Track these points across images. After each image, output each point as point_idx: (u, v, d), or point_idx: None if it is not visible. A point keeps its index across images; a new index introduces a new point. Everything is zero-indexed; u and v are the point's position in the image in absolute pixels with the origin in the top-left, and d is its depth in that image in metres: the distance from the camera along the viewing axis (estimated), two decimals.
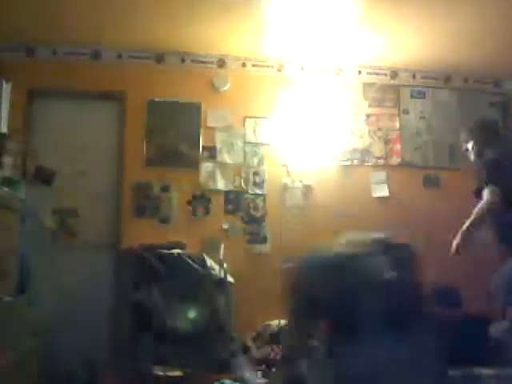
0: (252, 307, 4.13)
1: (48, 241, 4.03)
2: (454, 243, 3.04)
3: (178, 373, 3.46)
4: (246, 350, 3.92)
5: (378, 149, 4.84)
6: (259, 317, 4.13)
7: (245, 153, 4.66)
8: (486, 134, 3.30)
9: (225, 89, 4.68)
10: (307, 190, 4.66)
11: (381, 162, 4.83)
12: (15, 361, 2.29)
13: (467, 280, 4.22)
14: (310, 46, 4.46)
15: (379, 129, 4.87)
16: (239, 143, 4.66)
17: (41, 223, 3.52)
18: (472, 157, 3.40)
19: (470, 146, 3.37)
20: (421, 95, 5.00)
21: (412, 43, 4.37)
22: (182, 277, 3.75)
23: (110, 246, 4.33)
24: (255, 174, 4.64)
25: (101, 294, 4.15)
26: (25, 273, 3.10)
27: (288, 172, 4.67)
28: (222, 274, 3.91)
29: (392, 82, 4.97)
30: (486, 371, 2.87)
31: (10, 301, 2.38)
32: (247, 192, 4.60)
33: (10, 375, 2.24)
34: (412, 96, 4.99)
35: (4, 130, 4.09)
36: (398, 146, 4.87)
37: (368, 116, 4.88)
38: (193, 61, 4.69)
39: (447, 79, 5.05)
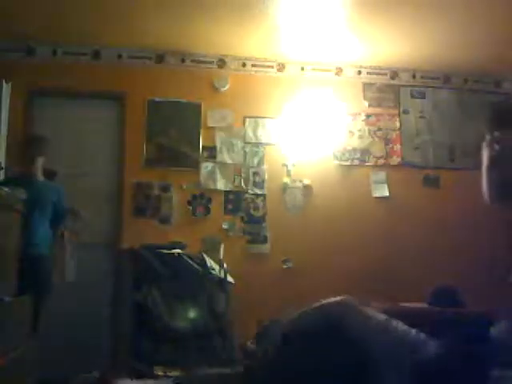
0: (252, 307, 4.13)
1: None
2: None
3: (177, 373, 3.46)
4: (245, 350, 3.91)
5: (377, 149, 4.84)
6: (259, 317, 4.13)
7: (245, 153, 4.66)
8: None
9: (225, 89, 4.68)
10: (307, 189, 4.66)
11: (381, 161, 4.83)
12: (15, 361, 2.29)
13: (467, 280, 4.23)
14: (310, 46, 4.46)
15: (379, 129, 4.87)
16: (239, 143, 4.66)
17: None
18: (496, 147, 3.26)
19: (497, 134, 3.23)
20: (421, 95, 5.00)
21: (412, 43, 4.37)
22: (182, 277, 3.75)
23: (110, 246, 4.33)
24: (255, 174, 4.64)
25: (101, 293, 4.14)
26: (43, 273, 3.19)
27: (288, 172, 4.68)
28: (222, 274, 3.91)
29: (392, 82, 4.97)
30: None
31: (10, 301, 2.38)
32: (247, 192, 4.60)
33: (10, 375, 2.24)
34: (412, 96, 4.99)
35: (4, 130, 4.10)
36: (397, 146, 4.87)
37: (368, 116, 4.88)
38: (193, 61, 4.69)
39: (447, 79, 5.05)
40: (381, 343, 1.57)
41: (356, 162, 4.79)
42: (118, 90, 4.53)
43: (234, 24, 4.07)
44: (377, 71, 4.93)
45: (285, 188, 4.66)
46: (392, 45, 4.42)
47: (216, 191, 4.56)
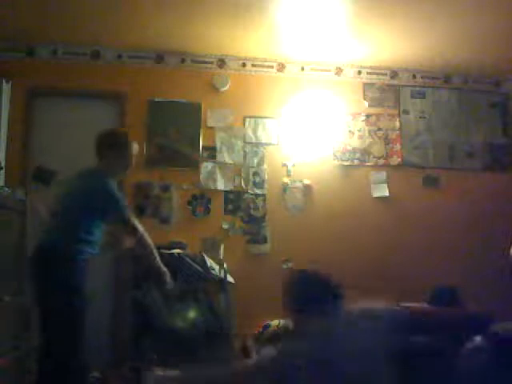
0: (252, 307, 4.13)
1: None
2: None
3: (177, 373, 3.46)
4: (245, 350, 3.92)
5: (377, 149, 4.84)
6: (259, 317, 4.13)
7: (245, 153, 4.66)
8: None
9: (225, 89, 4.68)
10: (307, 189, 4.67)
11: (381, 161, 4.83)
12: (15, 360, 2.29)
13: (467, 280, 4.23)
14: (310, 46, 4.46)
15: (379, 129, 4.87)
16: (239, 143, 4.66)
17: (41, 223, 3.52)
18: None
19: None
20: (421, 95, 5.00)
21: (412, 43, 4.37)
22: (182, 277, 3.75)
23: (110, 246, 4.32)
24: (255, 174, 4.64)
25: (101, 293, 4.14)
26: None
27: (288, 172, 4.68)
28: (222, 274, 3.91)
29: (392, 81, 4.97)
30: None
31: (10, 301, 2.38)
32: (247, 192, 4.61)
33: (10, 375, 2.24)
34: (412, 96, 4.99)
35: (4, 130, 4.10)
36: (397, 146, 4.87)
37: (368, 116, 4.88)
38: (193, 61, 4.69)
39: (447, 79, 5.05)
40: None
41: (356, 162, 4.79)
42: (118, 90, 4.53)
43: (234, 24, 4.06)
44: (377, 71, 4.93)
45: (285, 188, 4.66)
46: (392, 45, 4.42)
47: (216, 191, 4.56)
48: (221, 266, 3.95)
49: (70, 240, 2.66)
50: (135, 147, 3.03)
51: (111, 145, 2.95)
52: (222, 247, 4.26)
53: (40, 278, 2.63)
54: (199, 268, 3.83)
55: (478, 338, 2.67)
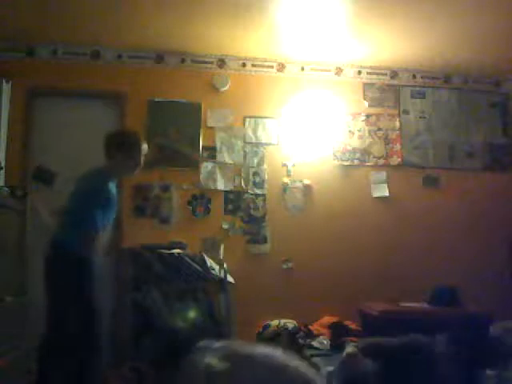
0: (252, 307, 4.13)
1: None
2: None
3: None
4: None
5: (377, 149, 4.84)
6: (259, 317, 4.13)
7: (245, 153, 4.66)
8: None
9: (225, 89, 4.68)
10: (307, 189, 4.66)
11: (381, 161, 4.83)
12: (15, 360, 2.29)
13: (467, 280, 4.23)
14: (310, 46, 4.46)
15: (379, 129, 4.87)
16: (239, 143, 4.66)
17: (41, 223, 3.52)
18: None
19: None
20: (421, 95, 5.00)
21: (412, 43, 4.37)
22: (182, 277, 3.75)
23: (110, 246, 4.32)
24: (255, 174, 4.64)
25: (101, 294, 4.13)
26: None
27: (288, 172, 4.68)
28: (222, 274, 3.91)
29: (392, 81, 4.97)
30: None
31: (10, 301, 2.38)
32: (247, 192, 4.61)
33: (10, 375, 2.24)
34: (412, 96, 4.99)
35: (4, 130, 4.10)
36: (398, 146, 4.87)
37: (368, 116, 4.87)
38: (193, 61, 4.69)
39: (447, 79, 5.05)
40: None
41: (356, 162, 4.79)
42: (118, 90, 4.53)
43: (234, 24, 4.06)
44: (377, 71, 4.93)
45: (285, 188, 4.65)
46: (392, 45, 4.42)
47: (216, 191, 4.56)
48: (221, 266, 3.95)
49: (79, 240, 2.66)
50: (144, 147, 2.95)
51: (120, 145, 2.89)
52: (221, 247, 4.26)
53: (51, 278, 2.64)
54: (199, 268, 3.83)
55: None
